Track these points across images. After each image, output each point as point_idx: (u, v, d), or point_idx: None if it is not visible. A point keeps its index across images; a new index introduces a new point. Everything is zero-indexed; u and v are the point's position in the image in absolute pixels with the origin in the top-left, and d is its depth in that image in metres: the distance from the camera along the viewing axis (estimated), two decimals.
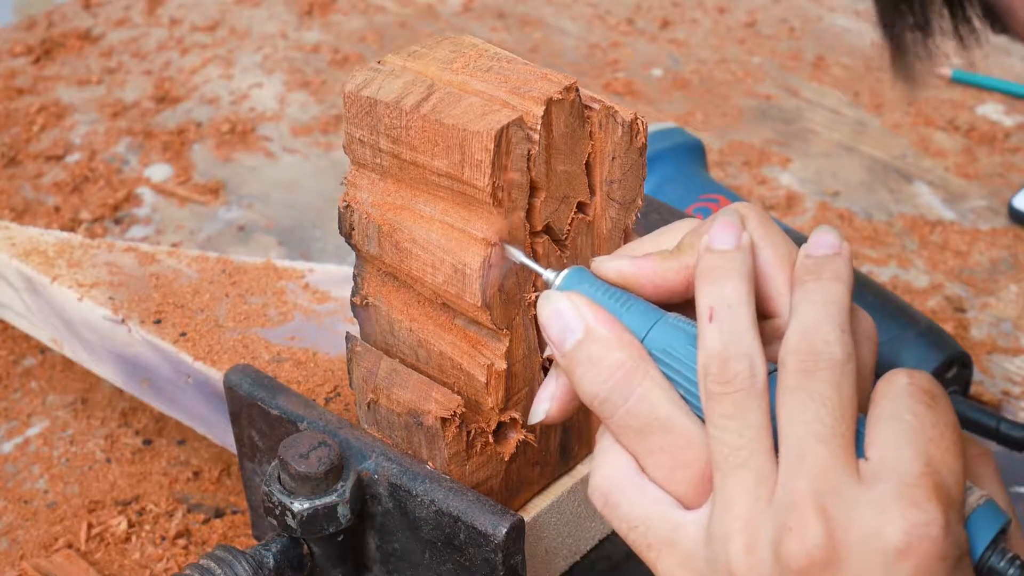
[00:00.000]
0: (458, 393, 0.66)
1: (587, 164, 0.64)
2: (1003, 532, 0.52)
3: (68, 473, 0.91)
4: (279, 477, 0.68)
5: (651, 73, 1.38)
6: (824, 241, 0.54)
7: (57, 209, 1.16)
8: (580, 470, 0.73)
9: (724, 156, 1.24)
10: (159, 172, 1.22)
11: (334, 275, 0.90)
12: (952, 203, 1.18)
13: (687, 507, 0.54)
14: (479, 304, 0.62)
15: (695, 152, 1.06)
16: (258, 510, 0.79)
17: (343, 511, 0.68)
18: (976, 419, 0.88)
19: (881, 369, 0.55)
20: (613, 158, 0.64)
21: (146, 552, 0.85)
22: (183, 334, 0.83)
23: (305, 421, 0.71)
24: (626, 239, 0.67)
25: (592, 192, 0.65)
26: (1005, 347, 1.02)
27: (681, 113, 1.31)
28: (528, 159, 0.61)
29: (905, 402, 0.52)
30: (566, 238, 0.65)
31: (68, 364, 0.99)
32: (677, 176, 1.03)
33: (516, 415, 0.67)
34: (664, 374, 0.54)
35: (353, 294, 0.69)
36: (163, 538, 0.86)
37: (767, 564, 0.50)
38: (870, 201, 1.19)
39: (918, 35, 0.55)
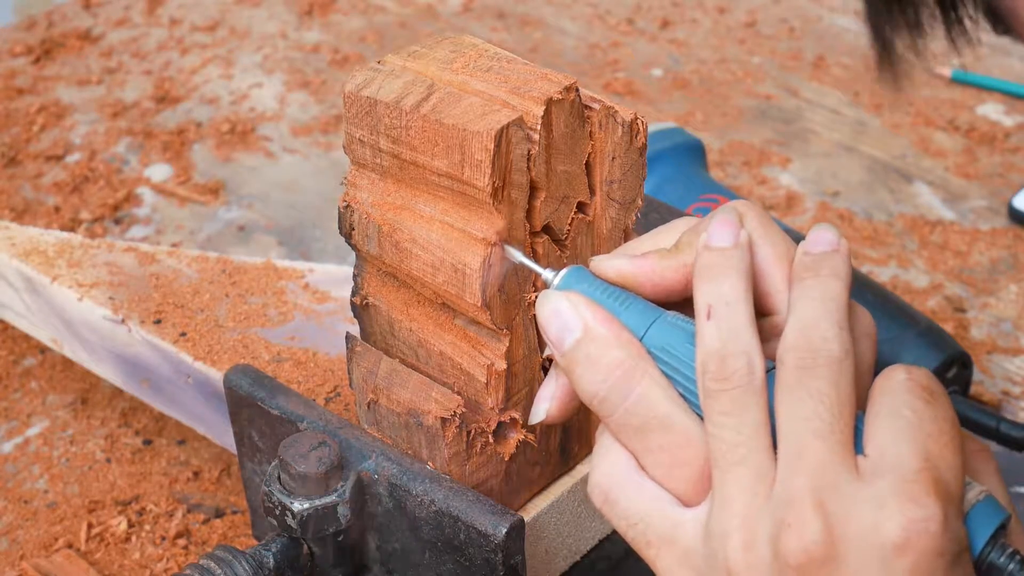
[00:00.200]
0: (458, 393, 0.66)
1: (587, 164, 0.64)
2: (1003, 528, 0.52)
3: (68, 473, 0.91)
4: (279, 477, 0.68)
5: (651, 73, 1.38)
6: (822, 238, 0.54)
7: (57, 209, 1.16)
8: (580, 470, 0.73)
9: (724, 156, 1.24)
10: (159, 172, 1.22)
11: (334, 275, 0.90)
12: (952, 203, 1.18)
13: (686, 505, 0.54)
14: (479, 304, 0.62)
15: (695, 152, 1.06)
16: (258, 510, 0.79)
17: (343, 511, 0.68)
18: (976, 419, 0.88)
19: (881, 368, 0.55)
20: (613, 158, 0.64)
21: (146, 552, 0.85)
22: (183, 334, 0.83)
23: (305, 421, 0.71)
24: (626, 239, 0.67)
25: (592, 192, 0.65)
26: (1005, 347, 1.02)
27: (681, 113, 1.31)
28: (528, 159, 0.61)
29: (903, 398, 0.52)
30: (566, 238, 0.65)
31: (68, 364, 0.99)
32: (677, 176, 1.03)
33: (516, 415, 0.67)
34: (663, 372, 0.54)
35: (353, 294, 0.69)
36: (163, 538, 0.86)
37: (765, 560, 0.50)
38: (870, 201, 1.19)
39: (907, 35, 0.55)
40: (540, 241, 0.64)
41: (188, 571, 0.68)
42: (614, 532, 0.75)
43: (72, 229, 1.13)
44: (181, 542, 0.85)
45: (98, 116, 1.29)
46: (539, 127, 0.61)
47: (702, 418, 0.53)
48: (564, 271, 0.58)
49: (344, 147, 0.66)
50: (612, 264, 0.57)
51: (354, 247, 0.67)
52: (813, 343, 0.51)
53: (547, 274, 0.59)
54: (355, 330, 0.71)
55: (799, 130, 1.29)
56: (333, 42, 1.42)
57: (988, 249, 1.13)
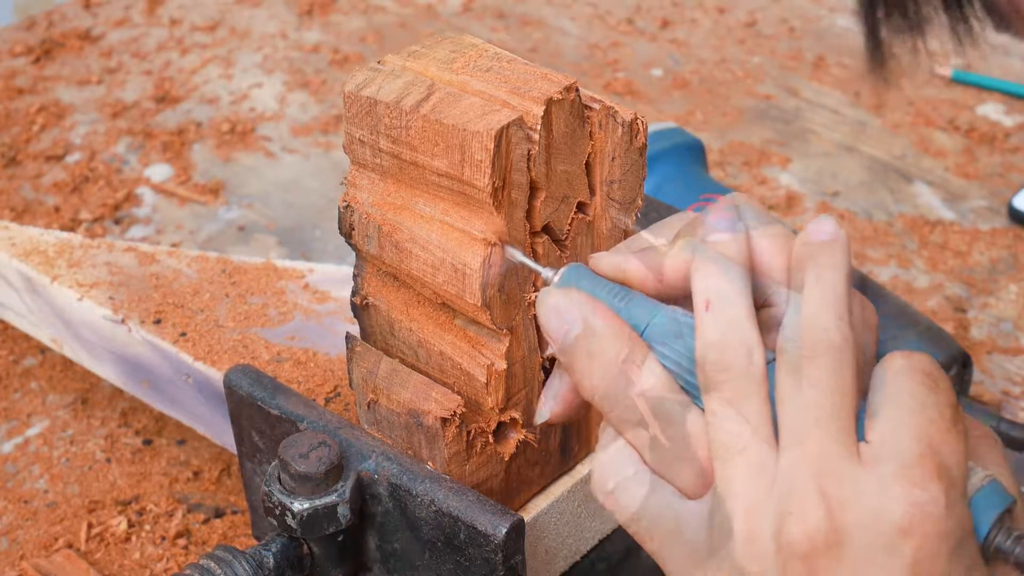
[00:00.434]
0: (458, 393, 0.66)
1: (587, 164, 0.64)
2: (1008, 512, 0.52)
3: (68, 473, 0.91)
4: (279, 477, 0.68)
5: (651, 73, 1.38)
6: (821, 228, 0.54)
7: (57, 209, 1.16)
8: (580, 470, 0.73)
9: (724, 156, 1.24)
10: (159, 172, 1.22)
11: (334, 275, 0.90)
12: (952, 203, 1.18)
13: (689, 497, 0.54)
14: (479, 304, 0.62)
15: (695, 152, 1.06)
16: (258, 510, 0.79)
17: (343, 511, 0.68)
18: (976, 419, 0.88)
19: None
20: (613, 158, 0.64)
21: (146, 552, 0.85)
22: (183, 334, 0.83)
23: (305, 421, 0.71)
24: (626, 239, 0.67)
25: (592, 192, 0.65)
26: (1005, 347, 1.02)
27: (681, 113, 1.31)
28: (528, 159, 0.61)
29: (905, 384, 0.51)
30: (566, 238, 0.65)
31: (68, 364, 0.99)
32: (677, 176, 1.03)
33: (516, 415, 0.67)
34: (664, 367, 0.54)
35: (353, 294, 0.69)
36: (163, 538, 0.86)
37: (770, 550, 0.50)
38: (870, 201, 1.19)
39: (908, 35, 0.55)
40: (540, 241, 0.64)
41: (188, 571, 0.68)
42: (614, 532, 0.75)
43: (72, 229, 1.13)
44: (181, 542, 0.85)
45: (98, 116, 1.29)
46: (539, 127, 0.61)
47: (704, 411, 0.53)
48: (564, 269, 0.58)
49: (344, 147, 0.66)
50: (611, 260, 0.57)
51: (354, 247, 0.67)
52: (813, 332, 0.51)
53: (547, 273, 0.59)
54: (355, 330, 0.71)
55: (799, 130, 1.29)
56: (333, 42, 1.42)
57: (988, 249, 1.13)
